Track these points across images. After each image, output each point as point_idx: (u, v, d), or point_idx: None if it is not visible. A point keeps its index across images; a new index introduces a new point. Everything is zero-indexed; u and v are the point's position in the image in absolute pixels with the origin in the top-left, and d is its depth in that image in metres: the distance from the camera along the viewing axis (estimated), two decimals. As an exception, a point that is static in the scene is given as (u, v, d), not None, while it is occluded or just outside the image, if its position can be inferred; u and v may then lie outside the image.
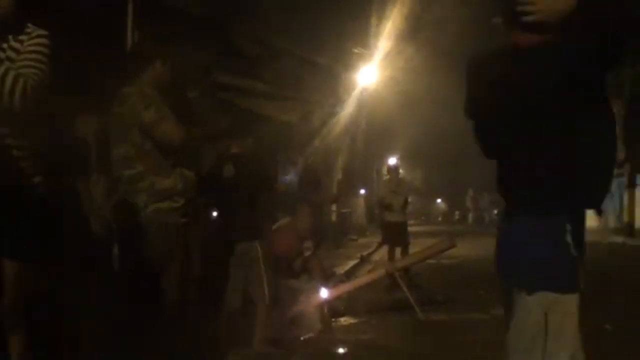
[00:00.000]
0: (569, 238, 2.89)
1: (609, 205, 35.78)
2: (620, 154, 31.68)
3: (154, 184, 4.76)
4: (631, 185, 30.45)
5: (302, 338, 7.63)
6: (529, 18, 2.80)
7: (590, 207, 3.04)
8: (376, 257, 17.44)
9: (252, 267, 6.64)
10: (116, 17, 7.03)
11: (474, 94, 3.05)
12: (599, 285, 11.92)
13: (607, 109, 2.95)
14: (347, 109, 18.66)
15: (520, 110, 2.84)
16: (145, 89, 4.89)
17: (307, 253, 9.15)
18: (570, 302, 2.93)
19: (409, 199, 14.90)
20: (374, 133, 29.32)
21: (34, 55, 3.66)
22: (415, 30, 22.22)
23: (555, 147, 2.81)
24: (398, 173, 14.93)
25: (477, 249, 21.16)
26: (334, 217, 19.70)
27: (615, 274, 14.06)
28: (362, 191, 32.17)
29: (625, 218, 30.46)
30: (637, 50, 24.97)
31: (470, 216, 44.38)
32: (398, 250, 13.12)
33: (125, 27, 7.07)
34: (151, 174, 4.76)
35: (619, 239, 26.88)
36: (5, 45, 3.66)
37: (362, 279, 9.81)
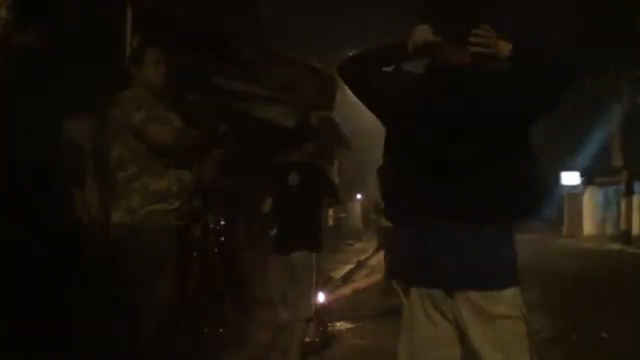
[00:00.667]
0: (505, 240, 3.01)
1: (607, 212, 35.84)
2: (618, 161, 31.72)
3: (148, 185, 4.76)
4: (628, 193, 30.46)
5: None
6: (479, 49, 2.95)
7: (523, 217, 3.13)
8: (373, 261, 17.46)
9: (303, 278, 6.39)
10: (115, 22, 7.04)
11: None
12: (596, 293, 11.98)
13: (526, 134, 3.06)
14: (344, 113, 18.64)
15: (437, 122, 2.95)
16: (139, 91, 4.91)
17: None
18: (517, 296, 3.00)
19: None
20: (371, 137, 29.31)
21: None
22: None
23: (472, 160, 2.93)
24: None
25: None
26: (330, 222, 19.68)
27: (612, 282, 14.09)
28: (359, 196, 32.15)
29: (623, 225, 30.46)
30: (635, 57, 25.10)
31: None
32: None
33: (124, 32, 7.07)
34: (145, 175, 4.77)
35: (616, 247, 26.89)
36: None
37: (359, 283, 9.83)
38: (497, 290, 2.93)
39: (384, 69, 3.19)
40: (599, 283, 13.63)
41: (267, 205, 6.61)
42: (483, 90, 2.93)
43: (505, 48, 2.99)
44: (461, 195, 2.94)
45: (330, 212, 20.06)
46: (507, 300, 2.94)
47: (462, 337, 3.02)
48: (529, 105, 2.95)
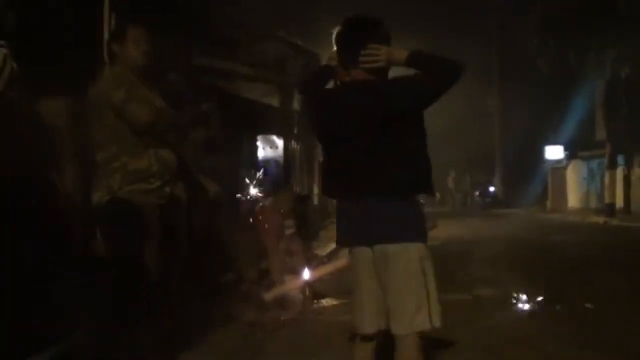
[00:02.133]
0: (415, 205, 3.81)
1: (591, 186, 36.01)
2: (602, 134, 31.82)
3: (127, 164, 4.75)
4: (612, 166, 30.57)
5: (282, 318, 7.66)
6: (371, 65, 3.73)
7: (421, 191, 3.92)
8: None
9: None
10: (93, 1, 6.99)
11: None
12: (580, 266, 12.07)
13: (418, 128, 3.81)
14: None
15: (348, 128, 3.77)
16: (119, 70, 4.88)
17: (290, 231, 9.21)
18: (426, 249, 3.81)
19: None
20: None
21: None
22: (398, 15, 22.19)
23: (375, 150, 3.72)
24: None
25: (459, 229, 21.31)
26: (315, 200, 19.70)
27: (596, 255, 14.18)
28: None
29: (607, 199, 30.60)
30: (617, 31, 25.13)
31: (452, 198, 44.49)
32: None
33: (102, 10, 7.02)
34: (125, 154, 4.76)
35: (600, 220, 27.04)
36: None
37: (344, 260, 9.85)
38: (400, 243, 3.69)
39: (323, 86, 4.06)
40: (583, 256, 13.72)
41: None
42: (375, 95, 3.71)
43: (399, 56, 3.72)
44: (369, 176, 3.71)
45: (315, 190, 20.07)
46: (409, 252, 3.70)
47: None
48: (416, 101, 3.72)
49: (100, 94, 4.78)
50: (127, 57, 4.94)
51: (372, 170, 3.70)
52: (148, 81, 5.08)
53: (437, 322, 3.74)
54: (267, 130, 16.10)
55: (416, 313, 3.68)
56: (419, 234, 3.77)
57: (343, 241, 4.02)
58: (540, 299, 8.46)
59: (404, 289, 3.69)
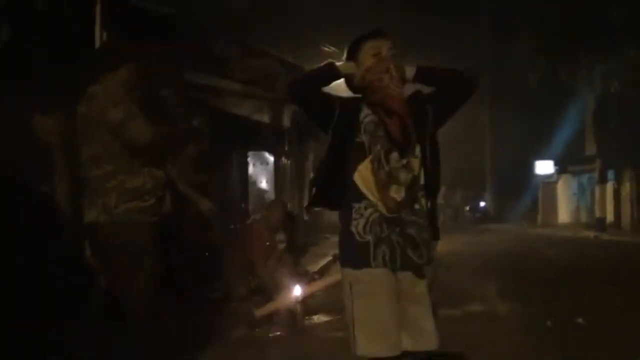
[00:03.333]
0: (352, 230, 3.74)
1: (581, 201, 36.10)
2: (592, 149, 31.95)
3: (124, 183, 4.74)
4: (602, 181, 30.69)
5: (272, 335, 7.64)
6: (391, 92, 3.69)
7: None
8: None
9: None
10: (84, 16, 6.99)
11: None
12: (571, 280, 12.09)
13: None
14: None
15: None
16: (113, 88, 4.86)
17: (281, 246, 9.20)
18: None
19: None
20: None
21: None
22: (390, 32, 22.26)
23: None
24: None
25: (450, 244, 21.30)
26: (305, 216, 19.68)
27: (587, 269, 14.21)
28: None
29: (597, 213, 30.70)
30: (607, 47, 25.25)
31: (443, 213, 44.46)
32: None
33: (93, 26, 7.03)
34: (120, 173, 4.74)
35: (591, 234, 27.13)
36: None
37: (335, 277, 9.84)
38: None
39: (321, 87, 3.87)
40: (575, 270, 13.75)
41: None
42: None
43: (409, 73, 3.82)
44: None
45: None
46: None
47: None
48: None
49: (95, 112, 4.76)
50: (118, 74, 4.92)
51: None
52: (139, 98, 5.07)
53: (355, 350, 3.74)
54: (258, 146, 16.11)
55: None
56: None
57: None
58: (530, 314, 8.47)
59: None
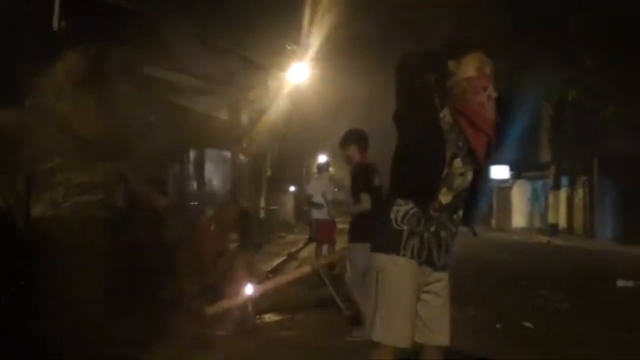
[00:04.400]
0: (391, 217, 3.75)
1: (535, 206, 36.55)
2: (546, 156, 32.36)
3: (71, 177, 4.69)
4: (556, 187, 31.12)
5: (223, 334, 7.61)
6: None
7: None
8: (304, 253, 17.48)
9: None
10: (43, 7, 6.90)
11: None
12: (523, 284, 12.22)
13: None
14: (278, 106, 18.64)
15: None
16: (62, 80, 4.81)
17: (234, 245, 9.15)
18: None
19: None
20: (305, 130, 29.36)
21: None
22: (347, 31, 22.30)
23: None
24: (328, 171, 15.01)
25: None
26: (261, 214, 19.66)
27: (538, 274, 14.36)
28: (292, 188, 32.20)
29: (550, 219, 31.12)
30: (564, 56, 25.60)
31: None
32: (326, 247, 13.23)
33: (52, 17, 6.93)
34: (69, 167, 4.69)
35: (543, 239, 27.45)
36: None
37: (288, 275, 9.84)
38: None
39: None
40: (526, 275, 13.89)
41: None
42: None
43: None
44: None
45: (262, 204, 20.03)
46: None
47: None
48: None
49: (44, 105, 4.71)
50: (69, 67, 4.87)
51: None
52: (94, 92, 5.02)
53: (371, 335, 3.75)
54: (215, 143, 16.05)
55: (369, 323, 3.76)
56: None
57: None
58: (479, 317, 8.55)
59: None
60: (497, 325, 8.24)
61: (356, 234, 7.60)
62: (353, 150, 7.89)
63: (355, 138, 7.98)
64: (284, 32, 19.16)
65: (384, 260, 3.75)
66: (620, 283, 12.01)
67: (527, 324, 8.27)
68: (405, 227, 3.71)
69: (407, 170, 3.78)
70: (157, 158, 7.89)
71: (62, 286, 4.77)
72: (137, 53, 9.38)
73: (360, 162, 7.88)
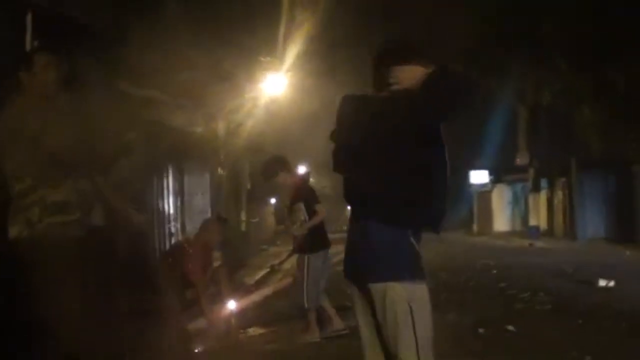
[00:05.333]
0: (412, 241, 3.51)
1: (515, 209, 36.70)
2: (525, 159, 32.53)
3: (45, 197, 4.62)
4: (535, 190, 31.29)
5: (206, 349, 7.56)
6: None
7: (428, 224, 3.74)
8: (286, 265, 17.44)
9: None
10: (15, 25, 6.85)
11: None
12: (505, 288, 12.24)
13: (442, 151, 3.87)
14: (255, 118, 18.59)
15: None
16: (32, 96, 4.74)
17: (217, 263, 9.12)
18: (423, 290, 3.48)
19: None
20: (283, 142, 29.32)
21: None
22: (323, 42, 22.30)
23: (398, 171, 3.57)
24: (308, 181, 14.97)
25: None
26: (243, 227, 19.60)
27: (520, 277, 14.39)
28: (273, 200, 32.13)
29: (531, 221, 31.26)
30: (538, 60, 25.75)
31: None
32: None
33: (24, 35, 6.88)
34: (42, 186, 4.63)
35: (525, 242, 27.54)
36: None
37: (270, 288, 9.83)
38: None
39: None
40: (508, 278, 13.91)
41: None
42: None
43: None
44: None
45: (243, 217, 19.98)
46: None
47: None
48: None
49: (14, 123, 4.63)
50: (36, 85, 4.79)
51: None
52: (64, 109, 4.95)
53: None
54: (193, 158, 15.98)
55: None
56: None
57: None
58: (462, 322, 8.55)
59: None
60: (480, 330, 8.24)
61: (317, 244, 8.05)
62: (282, 177, 8.13)
63: (277, 166, 8.19)
64: (259, 44, 19.15)
65: (414, 291, 3.45)
66: (602, 283, 12.04)
67: (510, 328, 8.28)
68: (419, 250, 3.53)
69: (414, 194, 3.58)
70: (133, 174, 7.84)
71: (41, 307, 4.71)
72: (111, 70, 9.34)
73: (295, 182, 8.29)
